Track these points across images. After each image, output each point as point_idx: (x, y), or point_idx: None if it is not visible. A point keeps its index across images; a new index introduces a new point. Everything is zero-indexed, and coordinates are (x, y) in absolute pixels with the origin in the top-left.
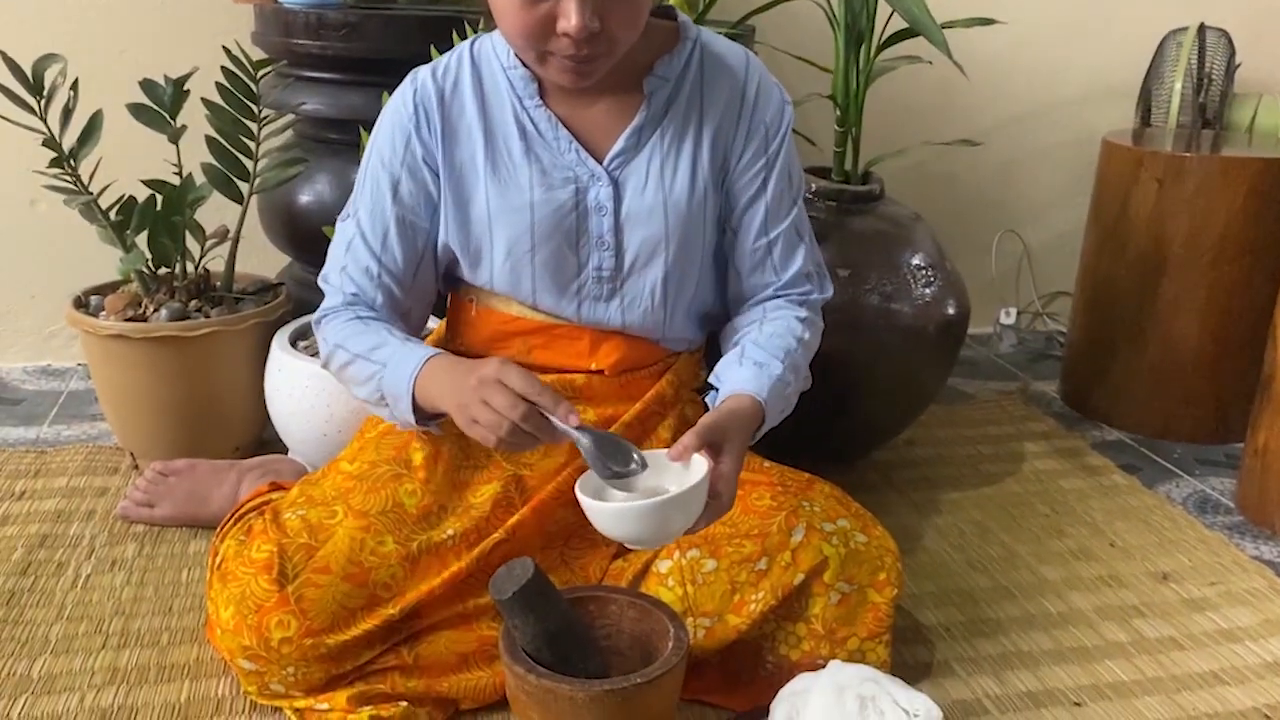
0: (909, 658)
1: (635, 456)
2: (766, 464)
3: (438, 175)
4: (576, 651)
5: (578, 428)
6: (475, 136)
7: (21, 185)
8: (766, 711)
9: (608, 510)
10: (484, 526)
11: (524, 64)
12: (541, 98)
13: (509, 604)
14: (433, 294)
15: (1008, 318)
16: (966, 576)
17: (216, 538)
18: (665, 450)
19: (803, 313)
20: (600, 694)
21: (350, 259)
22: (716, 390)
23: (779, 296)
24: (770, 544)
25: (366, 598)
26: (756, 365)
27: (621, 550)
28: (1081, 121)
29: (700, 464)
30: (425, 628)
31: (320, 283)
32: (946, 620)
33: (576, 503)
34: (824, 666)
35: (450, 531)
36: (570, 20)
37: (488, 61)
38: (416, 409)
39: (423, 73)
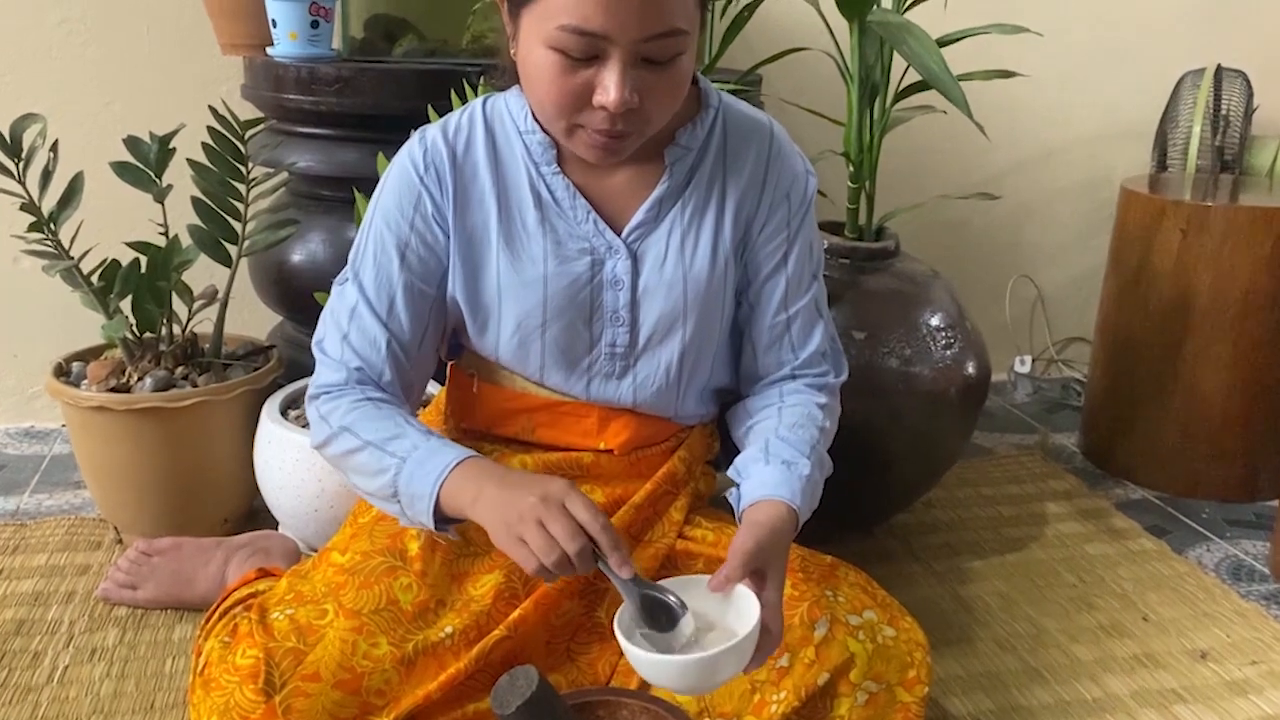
0: None
1: (677, 609)
2: None
3: (448, 236)
4: None
5: (630, 580)
6: (488, 204)
7: (3, 241)
8: None
9: (656, 662)
10: (484, 622)
11: (542, 129)
12: (559, 164)
13: (512, 719)
14: (433, 364)
15: (1022, 365)
16: (994, 657)
17: (200, 634)
18: (704, 577)
19: (822, 399)
20: None
21: (354, 328)
22: (738, 486)
23: (796, 378)
24: (792, 639)
25: (359, 706)
26: (785, 465)
27: None
28: (1095, 164)
29: (746, 598)
30: None
31: (316, 351)
32: (976, 709)
33: (582, 594)
34: None
35: (449, 629)
36: (609, 94)
37: (501, 123)
38: (437, 513)
39: (432, 131)
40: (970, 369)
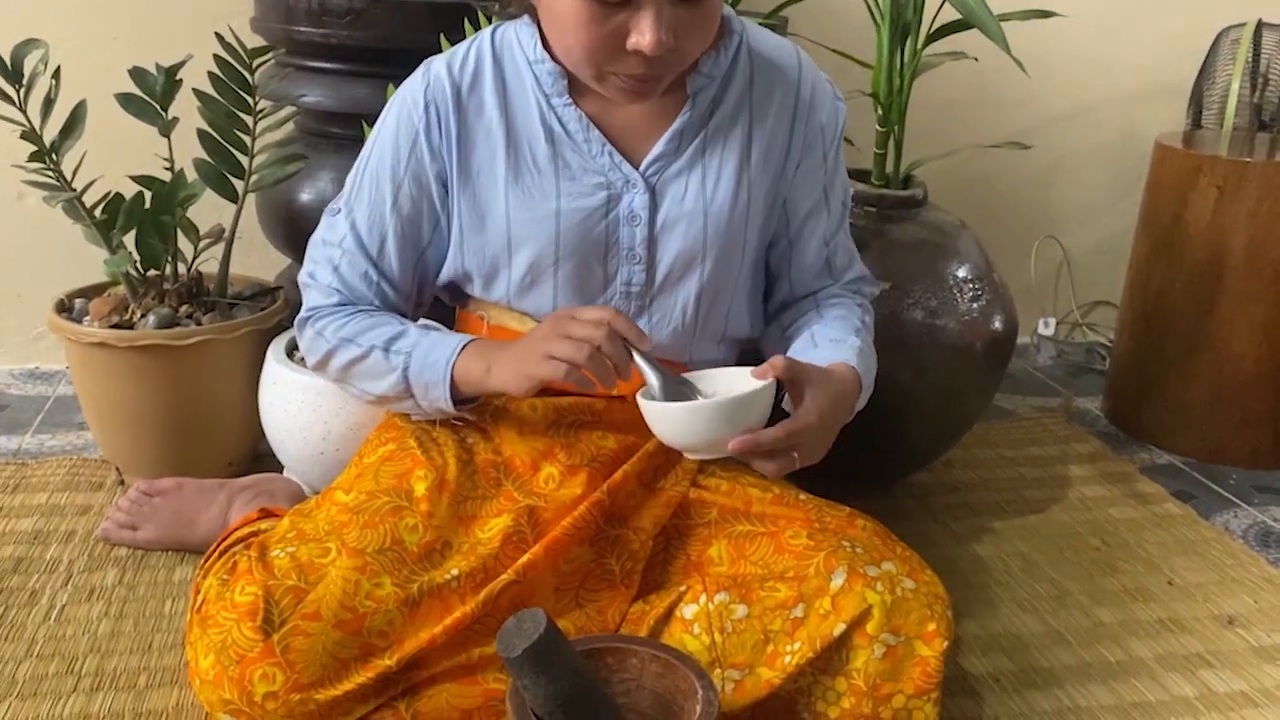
0: (955, 712)
1: (697, 389)
2: (802, 496)
3: (445, 187)
4: (592, 715)
5: (653, 366)
6: (495, 139)
7: (7, 178)
8: None
9: (665, 411)
10: (492, 566)
11: (552, 58)
12: (571, 95)
13: (518, 663)
14: (427, 305)
15: (1046, 328)
16: (1015, 618)
17: (199, 572)
18: (737, 370)
19: (860, 299)
20: None
21: (345, 261)
22: None
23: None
24: (807, 589)
25: (360, 647)
26: (833, 342)
27: (641, 592)
28: (1127, 121)
29: (771, 386)
30: (425, 680)
31: (303, 280)
32: (995, 669)
33: (593, 540)
34: None
35: (454, 571)
36: (645, 36)
37: (511, 54)
38: (454, 394)
39: (437, 64)
40: (997, 324)
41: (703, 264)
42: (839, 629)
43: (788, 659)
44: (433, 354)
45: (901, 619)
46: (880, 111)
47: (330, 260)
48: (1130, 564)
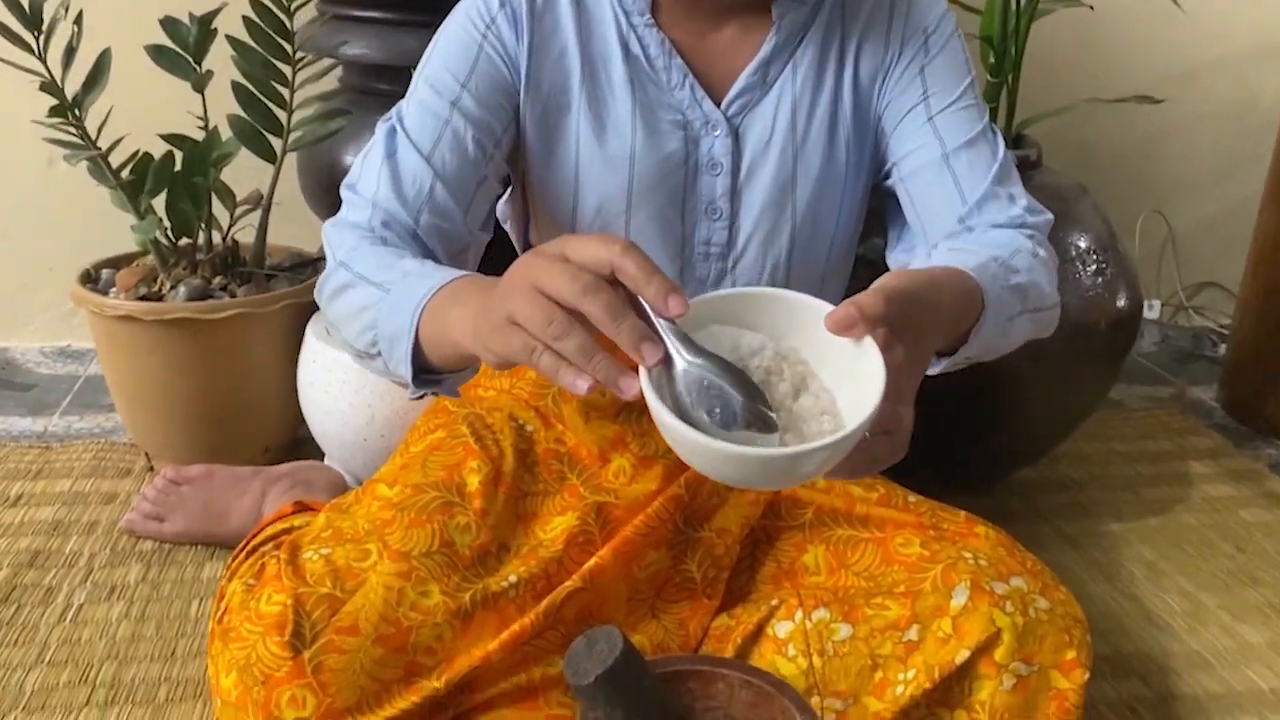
0: None
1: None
2: (912, 498)
3: (514, 98)
4: None
5: (677, 336)
6: (570, 61)
7: (38, 144)
8: None
9: (703, 446)
10: (554, 571)
11: None
12: (653, 15)
13: (589, 691)
14: (482, 246)
15: (1150, 311)
16: (1148, 637)
17: (225, 574)
18: (802, 299)
19: (1027, 231)
20: None
21: (388, 165)
22: None
23: (972, 230)
24: (923, 607)
25: (404, 666)
26: (954, 250)
27: (725, 604)
28: (1244, 86)
29: (867, 357)
30: (478, 705)
31: (344, 191)
32: (1129, 696)
33: (670, 542)
34: None
35: (513, 578)
36: None
37: None
38: (417, 357)
39: None
40: (1122, 300)
41: (793, 217)
42: (962, 656)
43: (900, 689)
44: (408, 294)
45: (1035, 645)
46: (993, 59)
47: (373, 167)
48: (1272, 574)
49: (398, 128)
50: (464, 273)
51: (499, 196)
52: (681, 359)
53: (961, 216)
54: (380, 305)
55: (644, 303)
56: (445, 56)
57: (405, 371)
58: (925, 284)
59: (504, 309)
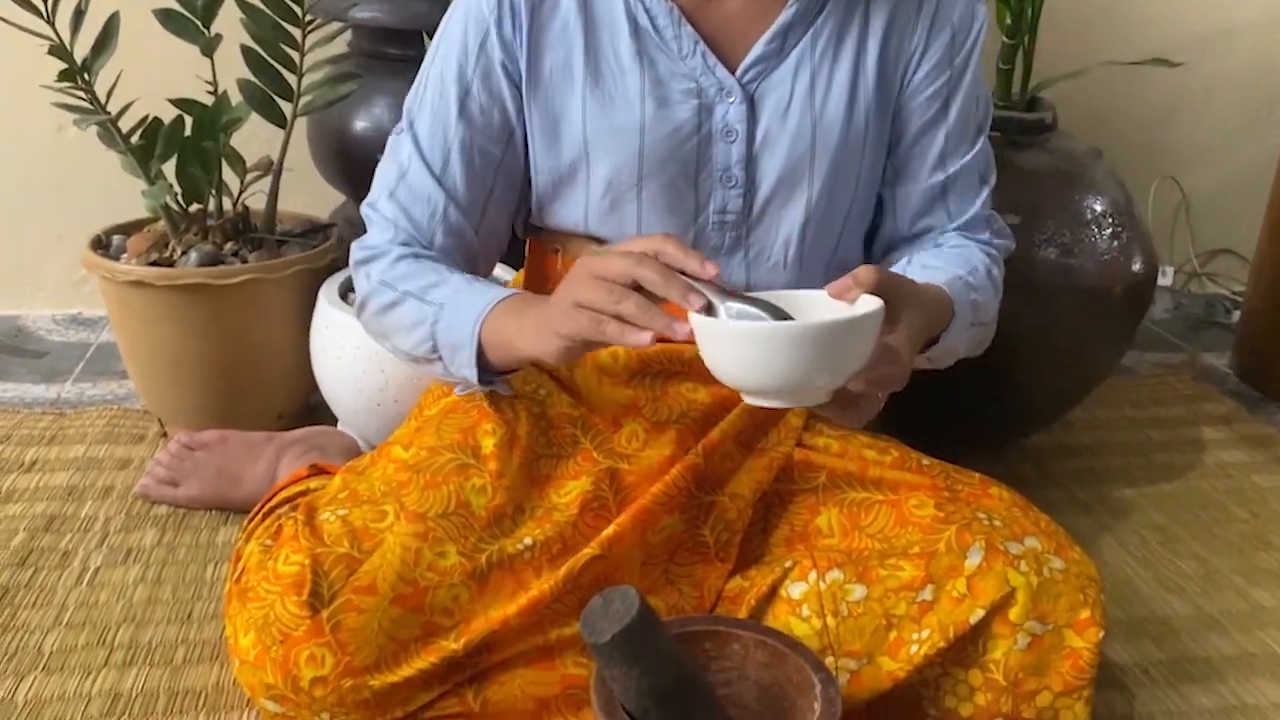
0: (1103, 709)
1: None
2: (926, 461)
3: (519, 88)
4: (690, 711)
5: (717, 285)
6: (573, 34)
7: (46, 109)
8: None
9: (739, 333)
10: (570, 535)
11: None
12: None
13: (606, 650)
14: (504, 241)
15: (1164, 277)
16: (1160, 600)
17: (241, 536)
18: (816, 292)
19: (989, 250)
20: None
21: (404, 185)
22: None
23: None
24: (937, 568)
25: (422, 626)
26: (925, 268)
27: (738, 566)
28: (1258, 51)
29: (869, 300)
30: (496, 664)
31: (365, 211)
32: (1143, 658)
33: (684, 508)
34: None
35: (528, 540)
36: None
37: None
38: (481, 362)
39: None
40: (1137, 265)
41: (809, 187)
42: (976, 615)
43: (914, 648)
44: (464, 309)
45: (1049, 604)
46: (1009, 20)
47: (388, 186)
48: None
49: (410, 144)
50: (512, 290)
51: (514, 211)
52: (722, 302)
53: (940, 229)
54: (438, 320)
55: (686, 272)
56: (447, 58)
57: (471, 374)
58: (906, 281)
59: (570, 298)
